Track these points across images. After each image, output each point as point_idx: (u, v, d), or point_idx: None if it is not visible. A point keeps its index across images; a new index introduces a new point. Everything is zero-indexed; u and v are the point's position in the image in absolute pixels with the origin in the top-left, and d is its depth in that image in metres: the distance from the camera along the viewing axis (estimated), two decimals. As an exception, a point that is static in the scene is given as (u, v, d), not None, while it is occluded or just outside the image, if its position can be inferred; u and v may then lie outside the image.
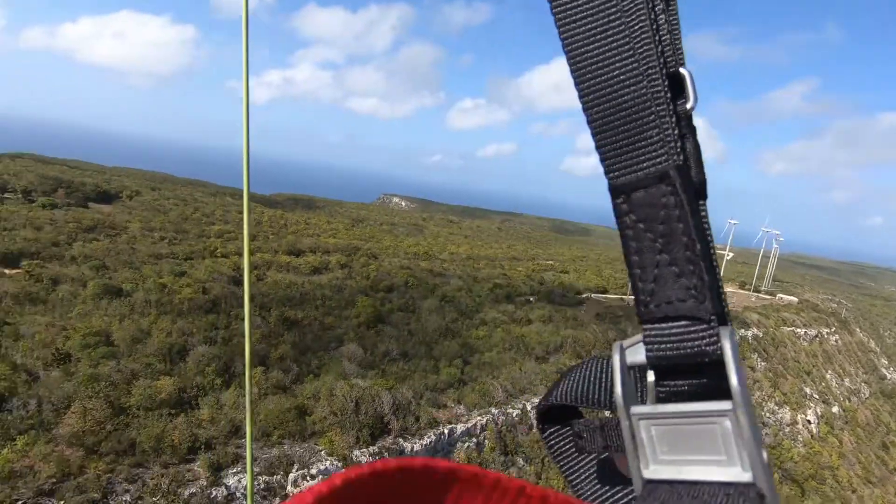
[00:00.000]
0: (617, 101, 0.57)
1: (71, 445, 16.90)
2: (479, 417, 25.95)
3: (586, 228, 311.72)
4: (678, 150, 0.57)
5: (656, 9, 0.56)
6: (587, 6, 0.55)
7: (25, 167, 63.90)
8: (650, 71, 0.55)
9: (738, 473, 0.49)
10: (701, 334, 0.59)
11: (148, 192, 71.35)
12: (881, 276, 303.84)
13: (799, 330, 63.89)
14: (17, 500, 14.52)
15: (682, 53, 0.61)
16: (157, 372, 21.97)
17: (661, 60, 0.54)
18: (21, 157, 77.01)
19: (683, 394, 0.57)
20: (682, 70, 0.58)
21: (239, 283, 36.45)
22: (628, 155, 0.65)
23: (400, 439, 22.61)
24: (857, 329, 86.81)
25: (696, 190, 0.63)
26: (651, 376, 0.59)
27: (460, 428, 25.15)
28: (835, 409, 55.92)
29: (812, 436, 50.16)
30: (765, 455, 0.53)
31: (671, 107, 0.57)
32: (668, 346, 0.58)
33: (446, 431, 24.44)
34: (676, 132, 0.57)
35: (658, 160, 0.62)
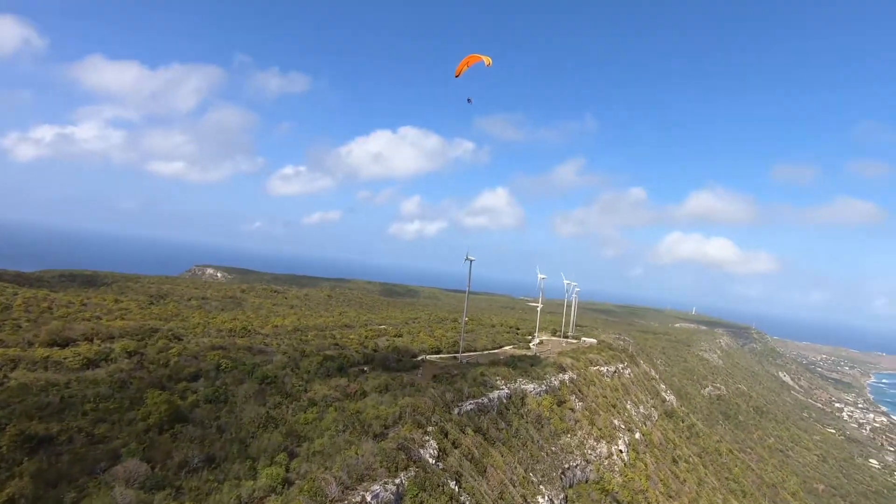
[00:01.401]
0: None
1: None
2: (309, 524, 21.44)
3: (413, 290, 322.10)
4: None
5: None
6: None
7: None
8: None
9: None
10: None
11: None
12: (646, 315, 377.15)
13: (602, 368, 72.76)
14: None
15: None
16: None
17: None
18: None
19: None
20: None
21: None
22: None
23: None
24: (641, 361, 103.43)
25: None
26: None
27: (286, 544, 20.32)
28: (637, 436, 63.75)
29: (625, 464, 55.71)
30: None
31: None
32: None
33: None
34: None
35: None
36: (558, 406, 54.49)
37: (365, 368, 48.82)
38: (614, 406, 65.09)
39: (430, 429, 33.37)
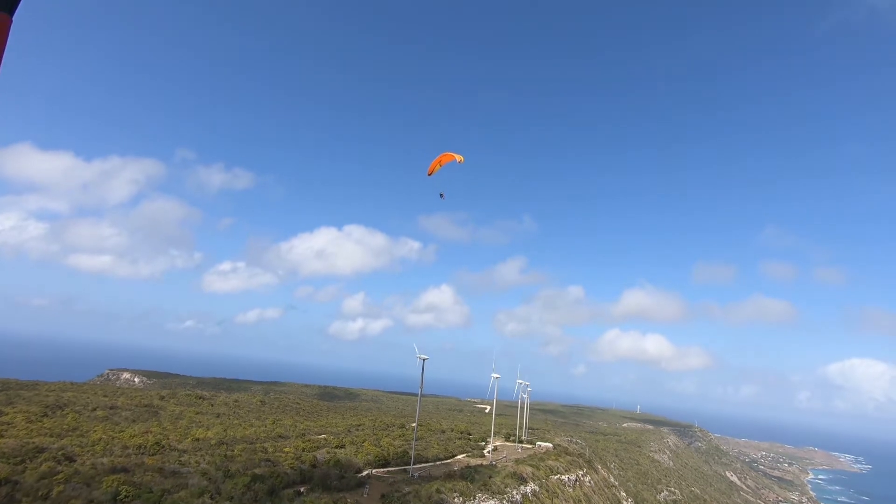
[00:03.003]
0: None
1: None
2: None
3: (353, 393, 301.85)
4: None
5: None
6: None
7: None
8: None
9: None
10: None
11: None
12: (593, 415, 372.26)
13: (563, 477, 67.62)
14: None
15: None
16: None
17: None
18: None
19: None
20: None
21: None
22: None
23: None
24: (599, 466, 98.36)
25: None
26: None
27: None
28: (606, 556, 57.67)
29: None
30: None
31: None
32: None
33: None
34: None
35: None
36: (522, 525, 48.61)
37: (301, 490, 41.78)
38: (579, 521, 59.40)
39: (381, 568, 27.53)
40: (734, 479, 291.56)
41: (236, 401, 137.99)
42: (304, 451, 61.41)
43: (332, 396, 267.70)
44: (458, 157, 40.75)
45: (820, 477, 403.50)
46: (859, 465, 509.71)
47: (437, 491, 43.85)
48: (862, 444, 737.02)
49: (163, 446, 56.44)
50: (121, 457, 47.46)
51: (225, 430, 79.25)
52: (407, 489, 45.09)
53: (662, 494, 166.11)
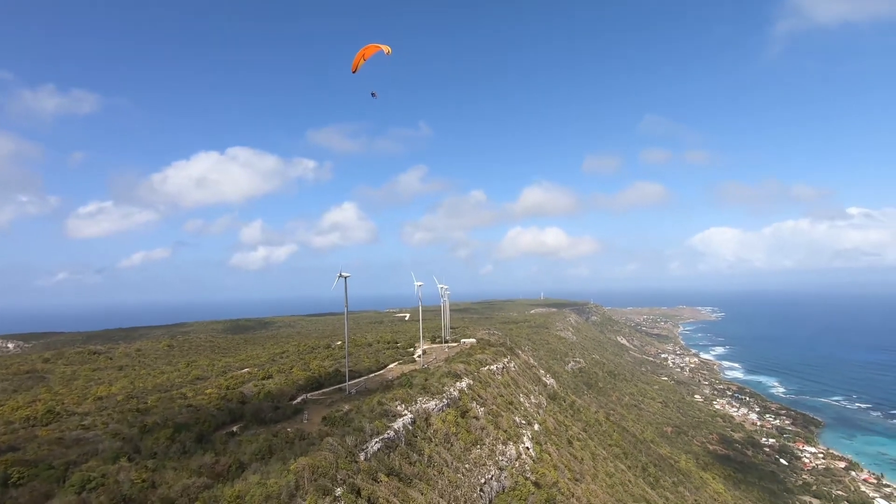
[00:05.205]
0: None
1: None
2: None
3: (266, 322, 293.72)
4: None
5: None
6: None
7: None
8: None
9: None
10: None
11: None
12: (504, 307, 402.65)
13: (492, 367, 71.76)
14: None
15: None
16: None
17: None
18: None
19: None
20: None
21: None
22: None
23: None
24: (520, 351, 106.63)
25: None
26: None
27: None
28: (536, 427, 63.66)
29: (533, 460, 54.54)
30: None
31: None
32: None
33: None
34: None
35: None
36: (462, 418, 50.98)
37: (234, 430, 39.13)
38: (511, 403, 64.19)
39: (338, 491, 26.65)
40: (624, 341, 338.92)
41: (139, 350, 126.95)
42: (228, 389, 57.89)
43: (245, 328, 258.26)
44: (386, 48, 35.13)
45: (687, 328, 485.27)
46: (716, 315, 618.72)
47: (379, 403, 43.68)
48: (718, 297, 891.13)
49: (58, 413, 49.73)
50: (4, 434, 40.80)
51: (132, 383, 72.42)
52: (347, 407, 44.38)
53: (570, 365, 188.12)
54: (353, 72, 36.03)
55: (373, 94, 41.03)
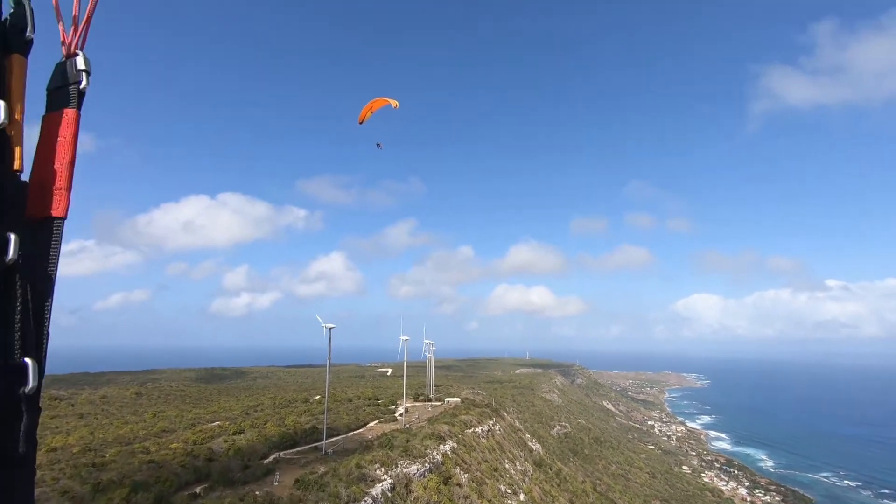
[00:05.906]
0: None
1: None
2: None
3: (242, 371, 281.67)
4: None
5: None
6: None
7: None
8: None
9: None
10: None
11: None
12: (487, 365, 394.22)
13: (477, 429, 68.68)
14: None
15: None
16: None
17: None
18: None
19: None
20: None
21: None
22: None
23: None
24: (506, 413, 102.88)
25: None
26: None
27: None
28: (522, 497, 60.04)
29: (518, 534, 50.93)
30: None
31: None
32: None
33: None
34: None
35: None
36: (445, 485, 47.88)
37: (198, 490, 36.01)
38: (496, 470, 60.86)
39: (308, 567, 24.03)
40: (610, 406, 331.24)
41: (104, 396, 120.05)
42: (195, 444, 54.11)
43: (220, 378, 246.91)
44: (394, 102, 35.89)
45: (673, 395, 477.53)
46: (702, 382, 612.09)
47: (357, 465, 40.89)
48: (702, 364, 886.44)
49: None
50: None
51: (92, 433, 67.56)
52: (322, 469, 41.45)
53: (556, 429, 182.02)
54: (360, 123, 36.60)
55: (378, 145, 41.66)
